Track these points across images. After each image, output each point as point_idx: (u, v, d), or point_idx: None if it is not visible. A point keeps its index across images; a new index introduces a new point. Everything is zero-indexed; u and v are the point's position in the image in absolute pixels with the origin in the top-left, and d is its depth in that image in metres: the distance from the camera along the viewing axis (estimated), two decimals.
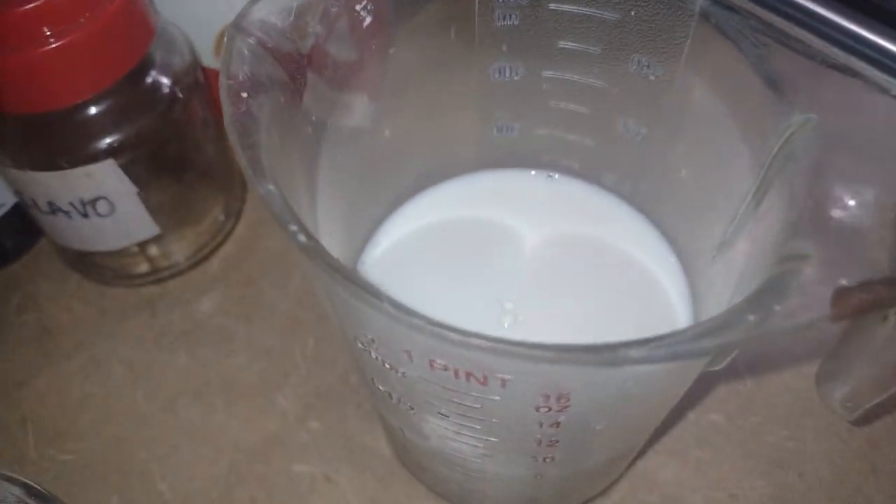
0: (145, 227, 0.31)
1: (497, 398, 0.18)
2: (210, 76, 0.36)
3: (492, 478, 0.24)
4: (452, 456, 0.23)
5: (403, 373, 0.18)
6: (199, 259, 0.34)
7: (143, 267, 0.33)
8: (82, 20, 0.26)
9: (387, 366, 0.19)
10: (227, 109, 0.18)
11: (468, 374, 0.17)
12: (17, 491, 0.23)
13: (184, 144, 0.32)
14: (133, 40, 0.29)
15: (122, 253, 0.32)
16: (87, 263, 0.34)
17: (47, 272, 0.35)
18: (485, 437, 0.20)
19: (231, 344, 0.33)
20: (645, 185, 0.27)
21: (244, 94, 0.19)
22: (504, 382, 0.17)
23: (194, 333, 0.33)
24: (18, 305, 0.34)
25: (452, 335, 0.15)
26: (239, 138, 0.18)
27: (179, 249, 0.34)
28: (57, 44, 0.26)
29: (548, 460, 0.21)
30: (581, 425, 0.19)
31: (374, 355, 0.19)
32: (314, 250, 0.16)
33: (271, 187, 0.17)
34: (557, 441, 0.20)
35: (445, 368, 0.17)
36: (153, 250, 0.33)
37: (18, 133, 0.28)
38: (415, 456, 0.25)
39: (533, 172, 0.28)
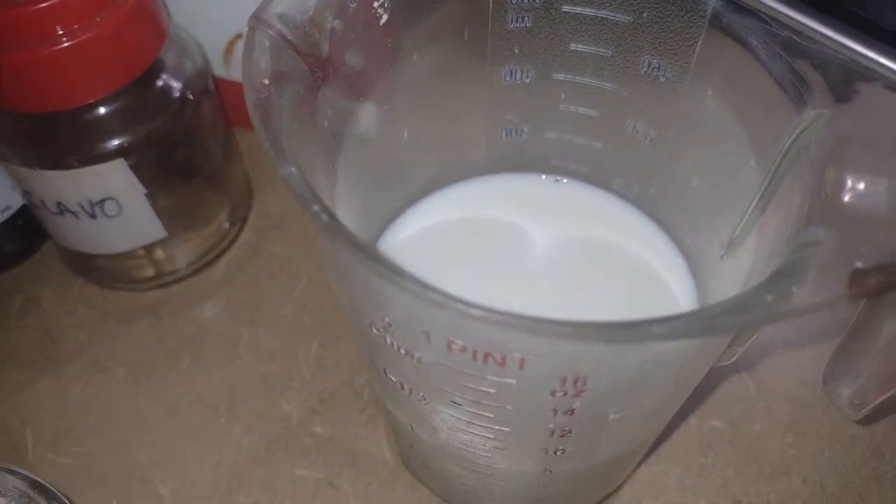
0: (152, 229, 0.31)
1: (513, 381, 0.18)
2: (220, 85, 0.36)
3: (500, 475, 0.23)
4: (462, 451, 0.22)
5: (419, 358, 0.18)
6: (204, 264, 0.34)
7: (149, 271, 0.33)
8: (98, 19, 0.27)
9: (402, 351, 0.19)
10: (249, 94, 0.18)
11: (486, 355, 0.17)
12: (19, 484, 0.23)
13: (192, 148, 0.32)
14: (145, 42, 0.29)
15: (127, 256, 0.32)
16: (91, 267, 0.33)
17: (50, 276, 0.35)
18: (497, 427, 0.20)
19: (235, 348, 0.32)
20: (653, 188, 0.27)
21: (266, 81, 0.19)
22: (522, 363, 0.17)
23: (198, 338, 0.33)
24: (20, 308, 0.34)
25: (475, 311, 0.15)
26: (262, 122, 0.18)
27: (185, 254, 0.33)
28: (69, 43, 0.26)
29: (559, 453, 0.21)
30: (595, 413, 0.19)
31: (389, 341, 0.19)
32: (337, 229, 0.16)
33: (293, 169, 0.17)
34: (570, 431, 0.20)
35: (464, 349, 0.17)
36: (159, 254, 0.33)
37: (29, 131, 0.29)
38: (421, 454, 0.25)
39: (543, 177, 0.29)
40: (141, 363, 0.32)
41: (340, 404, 0.31)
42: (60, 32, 0.26)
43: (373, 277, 0.16)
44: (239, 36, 0.36)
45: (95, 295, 0.34)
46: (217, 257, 0.35)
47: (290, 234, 0.36)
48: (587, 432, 0.20)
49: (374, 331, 0.19)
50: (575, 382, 0.17)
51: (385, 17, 0.23)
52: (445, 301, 0.15)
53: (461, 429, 0.21)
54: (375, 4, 0.23)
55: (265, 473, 0.29)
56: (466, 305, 0.15)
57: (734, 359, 0.22)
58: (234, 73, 0.37)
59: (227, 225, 0.35)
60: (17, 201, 0.33)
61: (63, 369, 0.32)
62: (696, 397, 0.31)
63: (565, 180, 0.29)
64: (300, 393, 0.31)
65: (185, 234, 0.33)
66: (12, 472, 0.23)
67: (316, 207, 0.17)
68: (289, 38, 0.21)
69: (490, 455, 0.22)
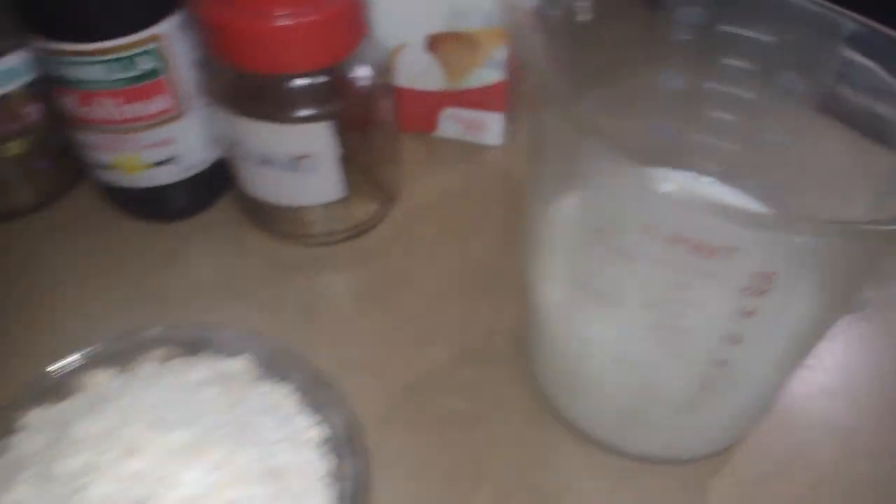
0: (336, 189, 0.37)
1: (713, 275, 0.22)
2: None
3: (653, 397, 0.27)
4: (626, 369, 0.27)
5: (633, 255, 0.23)
6: (363, 230, 0.40)
7: (320, 227, 0.38)
8: (320, 8, 0.32)
9: (615, 248, 0.23)
10: (514, 45, 0.24)
11: (698, 248, 0.21)
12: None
13: (368, 130, 0.38)
14: (351, 33, 0.35)
15: (307, 210, 0.38)
16: (272, 218, 0.39)
17: (226, 226, 0.40)
18: (675, 331, 0.25)
19: (387, 308, 0.37)
20: (780, 189, 0.32)
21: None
22: (731, 252, 0.21)
23: (354, 292, 0.38)
24: (197, 251, 0.39)
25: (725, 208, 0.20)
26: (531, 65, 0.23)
27: (353, 216, 0.39)
28: (293, 22, 0.32)
29: (722, 366, 0.25)
30: (766, 322, 0.23)
31: (609, 245, 0.23)
32: (606, 141, 0.21)
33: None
34: (740, 340, 0.24)
35: (681, 241, 0.22)
36: (335, 211, 0.38)
37: (253, 89, 0.35)
38: (579, 377, 0.29)
39: (688, 173, 0.34)
40: (306, 305, 0.37)
41: (486, 356, 0.35)
42: (287, 13, 0.32)
43: (627, 176, 0.21)
44: (402, 46, 0.42)
45: (266, 245, 0.39)
46: (372, 227, 0.40)
47: (437, 220, 0.41)
48: (752, 346, 0.24)
49: (600, 236, 0.24)
50: (766, 278, 0.22)
51: (588, 17, 0.29)
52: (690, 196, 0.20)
53: (639, 335, 0.25)
54: (578, 4, 0.29)
55: (421, 401, 0.33)
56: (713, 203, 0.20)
57: (864, 309, 0.26)
58: (396, 79, 0.43)
59: (378, 204, 0.40)
60: (210, 157, 0.39)
61: (235, 306, 0.37)
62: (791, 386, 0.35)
63: (704, 177, 0.34)
64: (448, 344, 0.35)
65: (357, 200, 0.38)
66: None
67: (588, 127, 0.22)
68: (532, 21, 0.26)
69: (653, 372, 0.26)
